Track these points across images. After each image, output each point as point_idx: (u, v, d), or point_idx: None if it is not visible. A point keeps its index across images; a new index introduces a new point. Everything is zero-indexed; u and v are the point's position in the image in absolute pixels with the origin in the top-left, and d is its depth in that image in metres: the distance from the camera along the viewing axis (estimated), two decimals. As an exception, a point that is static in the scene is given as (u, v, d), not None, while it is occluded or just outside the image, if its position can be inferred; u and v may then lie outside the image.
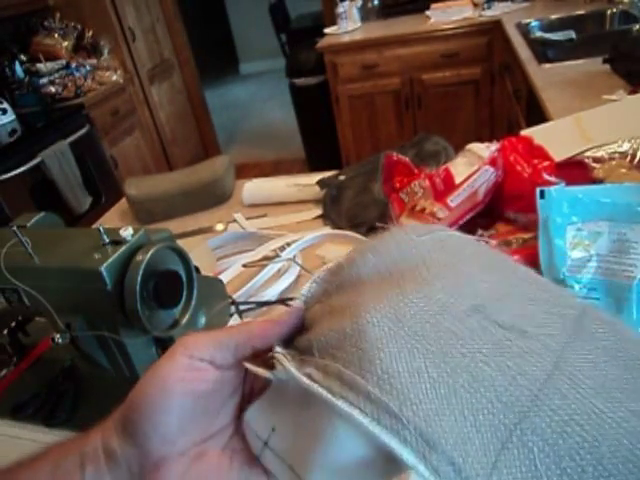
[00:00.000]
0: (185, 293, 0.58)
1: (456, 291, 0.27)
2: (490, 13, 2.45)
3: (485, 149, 0.79)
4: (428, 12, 2.67)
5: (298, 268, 0.84)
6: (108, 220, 1.23)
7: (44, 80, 2.59)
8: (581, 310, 0.27)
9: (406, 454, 0.21)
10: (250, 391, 0.32)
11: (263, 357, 0.29)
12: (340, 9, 2.73)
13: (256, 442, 0.29)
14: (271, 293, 0.79)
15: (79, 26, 2.82)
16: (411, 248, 0.31)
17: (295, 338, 0.30)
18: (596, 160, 0.82)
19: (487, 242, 0.72)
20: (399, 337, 0.24)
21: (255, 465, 0.29)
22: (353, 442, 0.23)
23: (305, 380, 0.24)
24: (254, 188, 1.15)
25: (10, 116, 2.38)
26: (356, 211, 0.97)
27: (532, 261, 0.66)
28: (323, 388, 0.24)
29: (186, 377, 0.28)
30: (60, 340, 0.55)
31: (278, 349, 0.28)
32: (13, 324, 0.69)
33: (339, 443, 0.23)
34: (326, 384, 0.24)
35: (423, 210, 0.75)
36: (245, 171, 3.43)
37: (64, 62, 2.67)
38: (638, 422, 0.21)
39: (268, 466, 0.28)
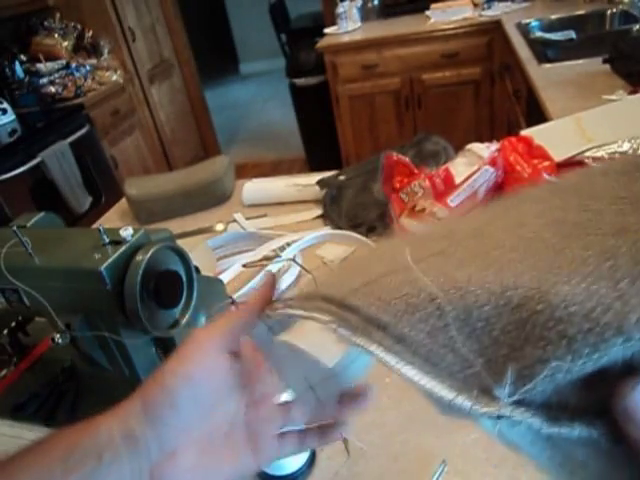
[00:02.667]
0: (185, 293, 0.58)
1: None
2: (490, 13, 2.45)
3: (485, 149, 0.79)
4: (428, 12, 2.67)
5: (298, 268, 0.84)
6: (108, 220, 1.23)
7: (44, 80, 2.59)
8: None
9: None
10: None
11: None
12: (340, 9, 2.73)
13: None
14: (271, 293, 0.79)
15: (79, 26, 2.82)
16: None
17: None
18: (596, 160, 0.82)
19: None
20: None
21: (257, 453, 0.31)
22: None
23: (293, 311, 0.30)
24: (254, 188, 1.15)
25: (10, 116, 2.38)
26: (356, 211, 0.97)
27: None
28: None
29: (210, 367, 0.30)
30: (60, 340, 0.55)
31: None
32: (13, 324, 0.69)
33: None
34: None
35: (423, 210, 0.75)
36: (245, 171, 3.43)
37: (64, 62, 2.67)
38: None
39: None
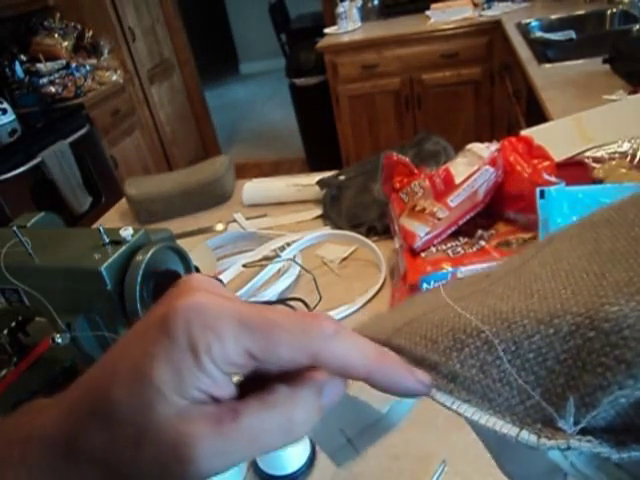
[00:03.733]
0: (185, 293, 0.58)
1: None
2: (490, 13, 2.45)
3: (485, 149, 0.79)
4: (428, 12, 2.67)
5: (298, 268, 0.84)
6: (108, 220, 1.23)
7: (44, 80, 2.59)
8: None
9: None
10: None
11: None
12: (340, 9, 2.73)
13: None
14: (271, 293, 0.79)
15: (79, 26, 2.82)
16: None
17: None
18: (596, 160, 0.82)
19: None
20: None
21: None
22: None
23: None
24: (254, 188, 1.15)
25: (10, 116, 2.38)
26: (356, 211, 0.97)
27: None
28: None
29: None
30: (60, 340, 0.55)
31: None
32: (13, 324, 0.69)
33: None
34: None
35: (423, 210, 0.75)
36: (245, 171, 3.43)
37: (64, 62, 2.67)
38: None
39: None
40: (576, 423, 0.19)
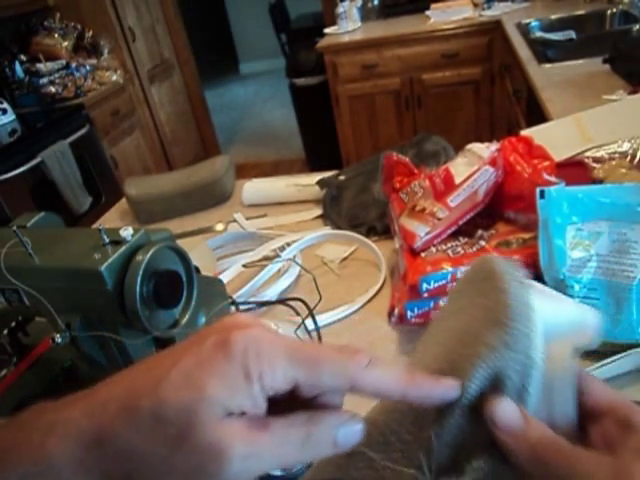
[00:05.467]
0: (185, 293, 0.58)
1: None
2: (490, 13, 2.45)
3: (485, 149, 0.79)
4: (428, 12, 2.67)
5: (298, 268, 0.84)
6: (108, 220, 1.23)
7: (44, 80, 2.59)
8: None
9: None
10: None
11: None
12: (340, 9, 2.73)
13: None
14: (271, 293, 0.79)
15: (79, 26, 2.82)
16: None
17: None
18: (596, 160, 0.82)
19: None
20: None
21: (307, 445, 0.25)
22: None
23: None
24: (254, 188, 1.15)
25: (10, 116, 2.38)
26: (356, 211, 0.97)
27: (532, 261, 0.66)
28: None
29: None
30: (60, 340, 0.55)
31: None
32: (13, 324, 0.69)
33: None
34: None
35: (423, 210, 0.75)
36: (245, 171, 3.43)
37: (64, 62, 2.67)
38: None
39: None
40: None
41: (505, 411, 0.25)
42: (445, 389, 0.26)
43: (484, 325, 0.27)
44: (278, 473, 0.56)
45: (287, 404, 0.25)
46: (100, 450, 0.23)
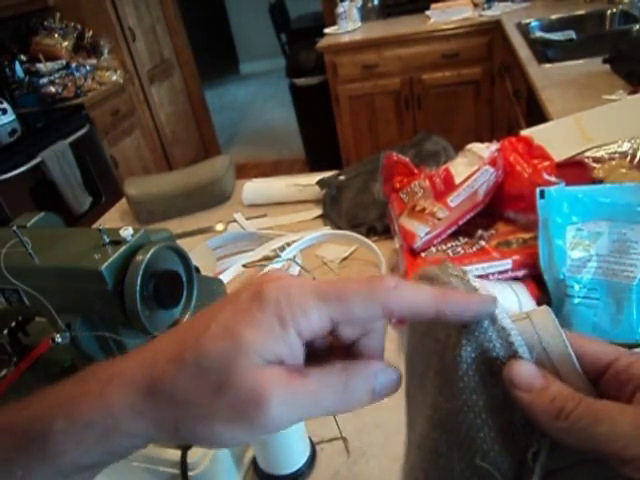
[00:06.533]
0: (185, 293, 0.58)
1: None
2: (490, 13, 2.45)
3: (485, 149, 0.79)
4: (428, 12, 2.67)
5: (298, 268, 0.84)
6: (108, 220, 1.23)
7: (44, 80, 2.59)
8: None
9: None
10: None
11: None
12: (340, 9, 2.73)
13: None
14: (271, 293, 0.78)
15: (79, 26, 2.82)
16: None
17: None
18: (596, 160, 0.82)
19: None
20: None
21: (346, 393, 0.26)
22: None
23: None
24: (254, 188, 1.15)
25: (10, 116, 2.38)
26: (356, 211, 0.97)
27: (532, 261, 0.66)
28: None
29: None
30: (60, 340, 0.55)
31: None
32: (13, 324, 0.69)
33: None
34: None
35: (423, 210, 0.75)
36: (245, 171, 3.43)
37: (64, 62, 2.67)
38: None
39: None
40: None
41: (522, 369, 0.24)
42: (481, 301, 0.25)
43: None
44: (278, 473, 0.56)
45: (325, 359, 0.26)
46: (152, 399, 0.25)
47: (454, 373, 0.25)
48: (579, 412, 0.23)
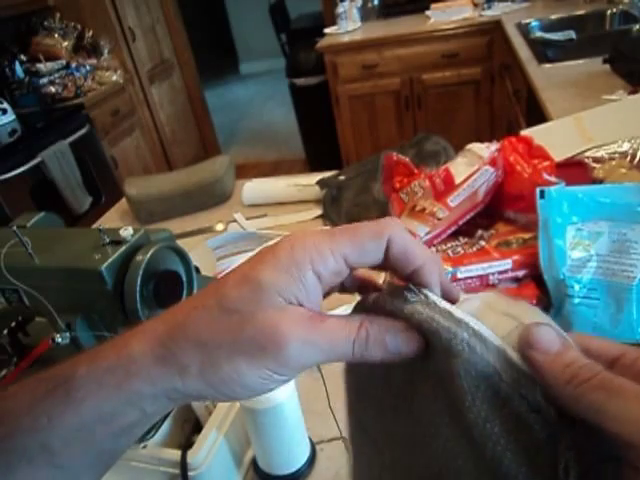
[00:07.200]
0: (185, 293, 0.58)
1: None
2: (490, 13, 2.45)
3: (485, 149, 0.79)
4: (428, 12, 2.67)
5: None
6: (108, 220, 1.23)
7: (44, 80, 2.59)
8: None
9: None
10: None
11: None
12: (340, 9, 2.73)
13: None
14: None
15: (79, 26, 2.82)
16: None
17: None
18: (596, 160, 0.82)
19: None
20: None
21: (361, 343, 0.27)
22: None
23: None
24: (254, 188, 1.15)
25: (10, 116, 2.38)
26: (356, 211, 0.97)
27: (532, 261, 0.66)
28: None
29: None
30: (60, 340, 0.55)
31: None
32: (13, 324, 0.69)
33: None
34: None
35: (423, 210, 0.75)
36: (245, 171, 3.43)
37: (64, 62, 2.67)
38: None
39: None
40: None
41: (542, 332, 0.24)
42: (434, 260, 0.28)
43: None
44: (278, 473, 0.56)
45: None
46: (175, 344, 0.26)
47: (461, 405, 0.24)
48: (593, 383, 0.22)
